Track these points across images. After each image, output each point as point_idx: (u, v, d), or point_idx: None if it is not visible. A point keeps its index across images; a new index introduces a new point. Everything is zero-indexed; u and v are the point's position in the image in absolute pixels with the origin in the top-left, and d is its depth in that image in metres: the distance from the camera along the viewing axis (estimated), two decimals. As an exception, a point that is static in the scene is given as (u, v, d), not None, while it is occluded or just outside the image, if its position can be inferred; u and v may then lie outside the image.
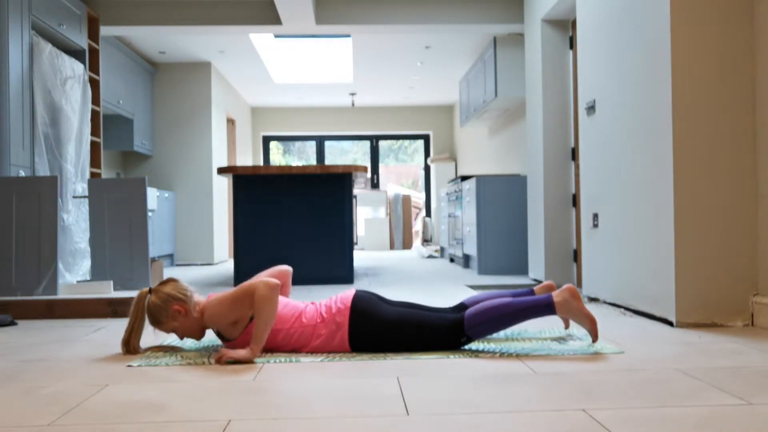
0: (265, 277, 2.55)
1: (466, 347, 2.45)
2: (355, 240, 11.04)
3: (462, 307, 2.59)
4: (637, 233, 3.28)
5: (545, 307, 2.36)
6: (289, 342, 2.43)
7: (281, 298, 2.51)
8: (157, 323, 2.42)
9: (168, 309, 2.39)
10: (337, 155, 11.94)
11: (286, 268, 2.70)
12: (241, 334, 2.37)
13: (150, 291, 2.44)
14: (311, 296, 4.32)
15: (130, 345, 2.47)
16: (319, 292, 4.54)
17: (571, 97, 4.86)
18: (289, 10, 5.54)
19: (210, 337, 2.81)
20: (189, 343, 2.67)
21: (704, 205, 2.90)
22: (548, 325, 2.99)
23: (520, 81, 6.38)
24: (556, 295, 2.37)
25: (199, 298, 2.48)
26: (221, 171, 5.00)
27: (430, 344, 2.40)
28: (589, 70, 3.94)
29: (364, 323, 2.39)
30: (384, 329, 2.39)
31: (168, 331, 2.44)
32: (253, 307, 2.32)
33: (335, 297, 2.50)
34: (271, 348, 2.44)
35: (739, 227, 2.91)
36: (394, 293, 4.41)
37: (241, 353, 2.27)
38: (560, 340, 2.61)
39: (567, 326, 2.72)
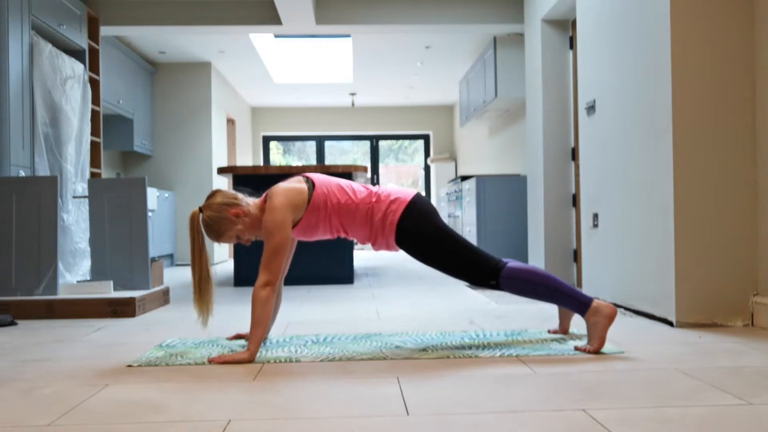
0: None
1: (466, 352, 2.45)
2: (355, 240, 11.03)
3: (502, 260, 2.57)
4: (637, 233, 3.27)
5: (581, 304, 2.36)
6: (336, 216, 2.44)
7: (334, 182, 2.50)
8: (220, 235, 2.39)
9: (226, 215, 2.38)
10: (337, 155, 11.94)
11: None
12: (302, 219, 2.42)
13: (200, 210, 2.40)
14: (311, 296, 4.32)
15: (202, 269, 2.35)
16: (319, 292, 4.54)
17: (571, 97, 4.86)
18: (289, 10, 5.53)
19: (210, 337, 2.81)
20: (189, 343, 2.67)
21: (704, 205, 2.90)
22: (549, 325, 2.99)
23: (520, 81, 6.38)
24: (597, 302, 2.36)
25: (252, 199, 2.48)
26: (221, 171, 5.00)
27: (462, 269, 2.40)
28: (589, 70, 3.94)
29: (416, 220, 2.41)
30: (432, 234, 2.40)
31: (232, 239, 2.42)
32: (302, 209, 2.39)
33: (394, 188, 2.51)
34: (317, 222, 2.44)
35: (739, 227, 2.91)
36: (394, 293, 4.41)
37: (238, 356, 2.27)
38: (560, 340, 2.61)
39: (564, 331, 2.72)
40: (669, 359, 2.24)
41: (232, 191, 2.47)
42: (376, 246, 2.51)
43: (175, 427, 1.58)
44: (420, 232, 2.42)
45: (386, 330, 2.92)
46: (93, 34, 5.67)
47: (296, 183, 2.45)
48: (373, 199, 2.45)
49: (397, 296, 4.25)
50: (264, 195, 2.47)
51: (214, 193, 2.45)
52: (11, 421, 1.64)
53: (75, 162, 5.02)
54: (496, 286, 2.40)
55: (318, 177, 2.49)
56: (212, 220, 2.39)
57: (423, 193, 11.65)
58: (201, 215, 2.40)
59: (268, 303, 2.29)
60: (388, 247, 2.49)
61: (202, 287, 2.36)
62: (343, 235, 2.53)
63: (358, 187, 2.50)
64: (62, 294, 3.66)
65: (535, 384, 1.92)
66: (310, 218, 2.43)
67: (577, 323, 2.91)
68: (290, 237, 2.38)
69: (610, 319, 2.34)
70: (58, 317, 3.50)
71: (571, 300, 2.37)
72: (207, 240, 2.47)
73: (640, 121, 3.24)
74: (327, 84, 9.48)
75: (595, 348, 2.34)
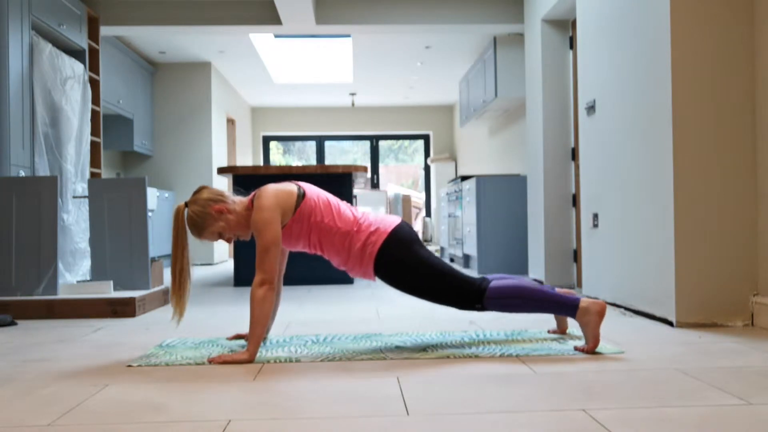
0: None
1: (465, 350, 2.45)
2: (355, 240, 11.01)
3: (485, 280, 2.57)
4: (637, 233, 3.27)
5: (569, 307, 2.36)
6: (321, 238, 2.42)
7: (328, 198, 2.48)
8: (202, 231, 2.39)
9: (209, 211, 2.37)
10: (337, 155, 11.94)
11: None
12: (288, 224, 2.40)
13: (186, 204, 2.40)
14: (311, 296, 4.32)
15: (183, 264, 2.34)
16: (319, 293, 4.54)
17: (571, 97, 4.86)
18: (289, 10, 5.53)
19: (210, 337, 2.81)
20: (189, 343, 2.67)
21: (704, 205, 2.90)
22: (549, 325, 2.99)
23: (520, 81, 6.38)
24: (584, 301, 2.36)
25: (239, 198, 2.47)
26: (221, 171, 5.00)
27: (445, 297, 2.40)
28: (589, 70, 3.94)
29: (395, 251, 2.38)
30: (411, 263, 2.38)
31: (214, 236, 2.41)
32: (289, 214, 2.37)
33: (379, 216, 2.48)
34: (298, 238, 2.43)
35: (739, 227, 2.91)
36: (394, 293, 4.41)
37: (237, 357, 2.27)
38: (560, 340, 2.61)
39: (563, 331, 2.72)
40: (669, 359, 2.24)
41: (220, 189, 2.46)
42: (352, 273, 2.49)
43: (175, 427, 1.58)
44: (399, 264, 2.39)
45: (386, 330, 2.92)
46: (93, 34, 5.67)
47: (287, 186, 2.45)
48: (354, 228, 2.42)
49: (397, 296, 4.25)
50: (252, 194, 2.46)
51: (200, 189, 2.45)
52: (11, 421, 1.64)
53: (75, 162, 5.02)
54: (482, 309, 2.41)
55: (310, 188, 2.47)
56: (196, 214, 2.38)
57: (423, 193, 11.66)
58: (186, 210, 2.40)
59: (265, 302, 2.29)
60: (365, 276, 2.47)
61: (181, 283, 2.35)
62: (319, 253, 2.50)
63: (345, 209, 2.47)
64: (62, 294, 3.66)
65: (535, 384, 1.92)
66: (293, 227, 2.41)
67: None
68: (280, 234, 2.36)
69: (600, 315, 2.34)
70: (58, 317, 3.50)
71: (558, 306, 2.37)
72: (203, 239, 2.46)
73: (640, 121, 3.24)
74: (327, 84, 9.48)
75: (591, 347, 2.34)
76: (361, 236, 2.41)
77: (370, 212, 2.53)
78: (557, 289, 2.67)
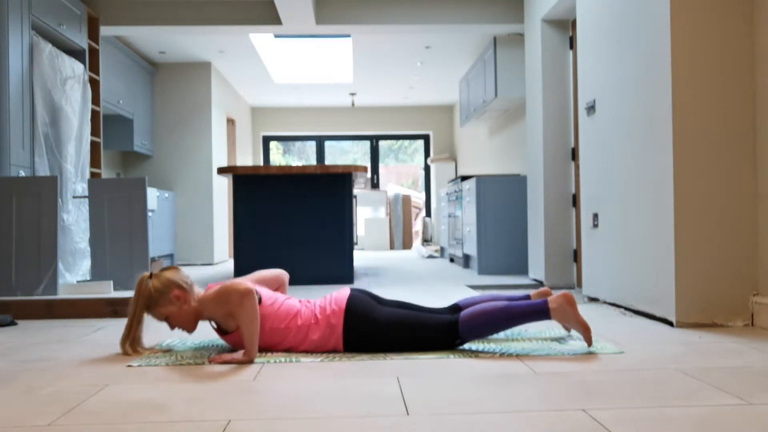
0: (250, 279, 2.55)
1: (466, 347, 2.45)
2: (355, 240, 11.04)
3: (456, 308, 2.58)
4: (637, 233, 3.28)
5: (540, 313, 2.36)
6: (285, 341, 2.42)
7: (278, 296, 2.50)
8: (152, 307, 2.38)
9: (168, 293, 2.37)
10: (337, 155, 11.94)
11: (280, 273, 2.71)
12: (239, 329, 2.35)
13: (151, 275, 2.41)
14: (311, 296, 4.32)
15: (130, 338, 2.40)
16: (319, 292, 4.54)
17: (571, 97, 4.86)
18: (289, 10, 5.54)
19: (209, 336, 2.81)
20: (189, 343, 2.67)
21: (704, 205, 2.90)
22: (548, 325, 2.99)
23: (520, 81, 6.38)
24: (552, 301, 2.36)
25: (198, 290, 2.47)
26: (221, 171, 5.00)
27: (424, 345, 2.40)
28: (589, 70, 3.94)
29: (358, 325, 2.38)
30: (378, 330, 2.38)
31: (161, 317, 2.40)
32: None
33: (330, 297, 2.49)
34: (267, 347, 2.43)
35: (739, 227, 2.91)
36: (394, 293, 4.41)
37: (237, 358, 2.27)
38: (560, 340, 2.61)
39: (568, 330, 2.71)
40: (669, 359, 2.24)
41: (188, 277, 2.45)
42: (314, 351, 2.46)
43: (175, 427, 1.58)
44: (366, 337, 2.38)
45: (386, 330, 2.92)
46: (93, 34, 5.67)
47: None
48: (313, 321, 2.41)
49: (397, 296, 4.25)
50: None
51: (170, 268, 2.45)
52: (11, 421, 1.64)
53: (75, 162, 5.02)
54: (462, 343, 2.41)
55: (266, 297, 2.43)
56: (155, 290, 2.37)
57: (423, 193, 11.65)
58: (149, 280, 2.39)
59: (246, 312, 2.26)
60: (335, 349, 2.43)
61: (133, 350, 2.42)
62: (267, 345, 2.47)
63: (299, 310, 2.44)
64: (62, 294, 3.66)
65: (535, 384, 1.92)
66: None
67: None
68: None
69: (572, 304, 2.35)
70: (58, 317, 3.50)
71: (530, 316, 2.37)
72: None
73: (640, 121, 3.24)
74: (327, 84, 9.48)
75: (586, 335, 2.36)
76: (321, 325, 2.40)
77: (318, 301, 2.51)
78: (533, 292, 2.67)
